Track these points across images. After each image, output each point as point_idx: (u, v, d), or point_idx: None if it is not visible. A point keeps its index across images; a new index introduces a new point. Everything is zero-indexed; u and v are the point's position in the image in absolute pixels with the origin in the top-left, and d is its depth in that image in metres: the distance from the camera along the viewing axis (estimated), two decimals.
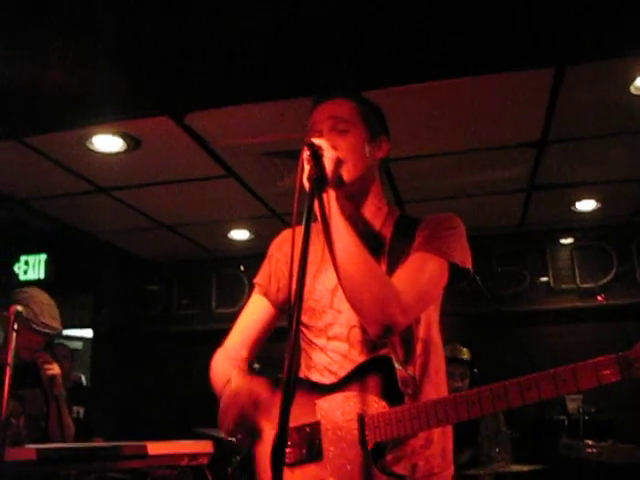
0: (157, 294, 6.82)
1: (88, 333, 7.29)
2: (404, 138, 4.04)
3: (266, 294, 2.03)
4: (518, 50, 3.23)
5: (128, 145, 4.03)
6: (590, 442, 4.30)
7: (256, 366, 4.98)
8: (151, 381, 6.52)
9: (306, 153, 1.71)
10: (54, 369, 3.27)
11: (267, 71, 3.41)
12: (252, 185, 4.80)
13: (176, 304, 6.78)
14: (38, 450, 2.60)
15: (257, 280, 2.07)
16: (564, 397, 4.91)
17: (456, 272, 1.85)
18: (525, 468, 4.13)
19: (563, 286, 6.06)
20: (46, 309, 3.26)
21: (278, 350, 2.08)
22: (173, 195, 4.96)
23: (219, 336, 6.68)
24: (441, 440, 1.86)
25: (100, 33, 3.26)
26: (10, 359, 2.69)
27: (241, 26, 3.18)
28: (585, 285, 6.01)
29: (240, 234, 6.03)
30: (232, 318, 6.58)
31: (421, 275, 1.79)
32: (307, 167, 1.70)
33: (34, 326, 3.09)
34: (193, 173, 4.55)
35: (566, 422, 5.10)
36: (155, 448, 2.88)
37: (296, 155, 3.87)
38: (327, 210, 1.74)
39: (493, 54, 3.27)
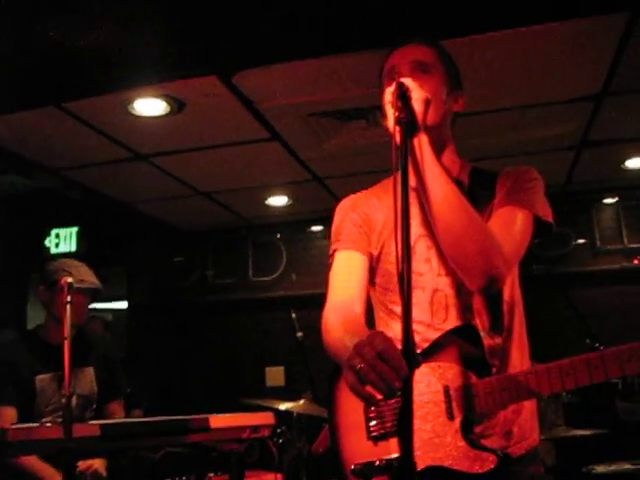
0: (192, 264, 6.72)
1: (119, 305, 7.23)
2: None
3: (357, 249, 1.89)
4: None
5: (172, 108, 3.86)
6: None
7: (299, 334, 4.90)
8: (189, 352, 6.48)
9: (392, 95, 1.59)
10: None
11: (319, 25, 3.25)
12: (296, 148, 4.63)
13: (211, 274, 6.67)
14: (102, 426, 2.53)
15: (340, 246, 1.92)
16: None
17: (539, 226, 1.79)
18: (587, 432, 4.04)
19: (609, 246, 5.90)
20: (81, 270, 3.28)
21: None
22: (213, 161, 4.81)
23: (256, 305, 6.60)
24: (530, 403, 1.80)
25: None
26: (67, 332, 2.60)
27: None
28: (632, 245, 5.84)
29: (278, 200, 5.89)
30: (269, 287, 6.52)
31: (514, 228, 1.73)
32: (393, 110, 1.58)
33: (75, 284, 3.01)
34: (237, 137, 4.38)
35: (620, 385, 4.98)
36: (217, 421, 2.82)
37: (346, 115, 3.64)
38: (420, 156, 1.63)
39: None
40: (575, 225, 5.92)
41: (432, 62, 1.84)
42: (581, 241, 5.95)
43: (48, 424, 2.49)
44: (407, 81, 1.63)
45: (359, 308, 1.80)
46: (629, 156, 5.17)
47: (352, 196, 2.04)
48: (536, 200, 1.80)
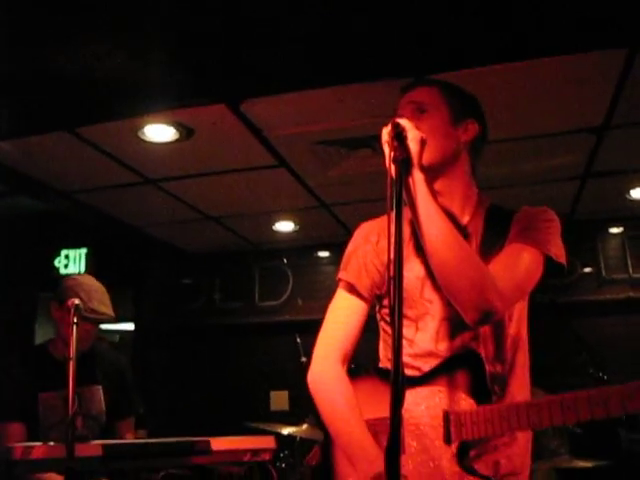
0: (199, 287, 6.77)
1: (126, 326, 7.26)
2: None
3: (358, 293, 1.93)
4: (590, 30, 3.10)
5: (180, 135, 3.95)
6: None
7: (304, 359, 4.94)
8: (194, 374, 6.50)
9: (388, 135, 1.65)
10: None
11: (326, 55, 3.32)
12: (303, 175, 4.70)
13: (218, 297, 6.71)
14: (104, 446, 2.56)
15: (344, 276, 1.96)
16: None
17: (550, 266, 1.79)
18: (589, 464, 4.01)
19: (614, 276, 5.90)
20: (94, 295, 3.21)
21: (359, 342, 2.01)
22: (221, 186, 4.88)
23: (262, 329, 6.57)
24: (524, 437, 1.81)
25: (153, 19, 3.19)
26: (72, 353, 2.62)
27: (298, 9, 3.09)
28: (637, 275, 5.84)
29: (285, 226, 5.95)
30: (275, 311, 6.51)
31: (517, 265, 1.75)
32: (389, 150, 1.63)
33: (84, 314, 2.97)
34: (244, 163, 4.46)
35: (624, 416, 4.95)
36: (218, 444, 2.82)
37: (352, 143, 3.73)
38: (414, 194, 1.67)
39: (563, 34, 3.14)
40: (580, 254, 5.91)
41: (431, 101, 1.89)
42: (586, 270, 5.96)
43: (51, 443, 2.52)
44: (403, 121, 1.67)
45: (343, 365, 1.91)
46: (634, 186, 5.19)
47: (372, 223, 2.04)
48: (549, 240, 1.81)
